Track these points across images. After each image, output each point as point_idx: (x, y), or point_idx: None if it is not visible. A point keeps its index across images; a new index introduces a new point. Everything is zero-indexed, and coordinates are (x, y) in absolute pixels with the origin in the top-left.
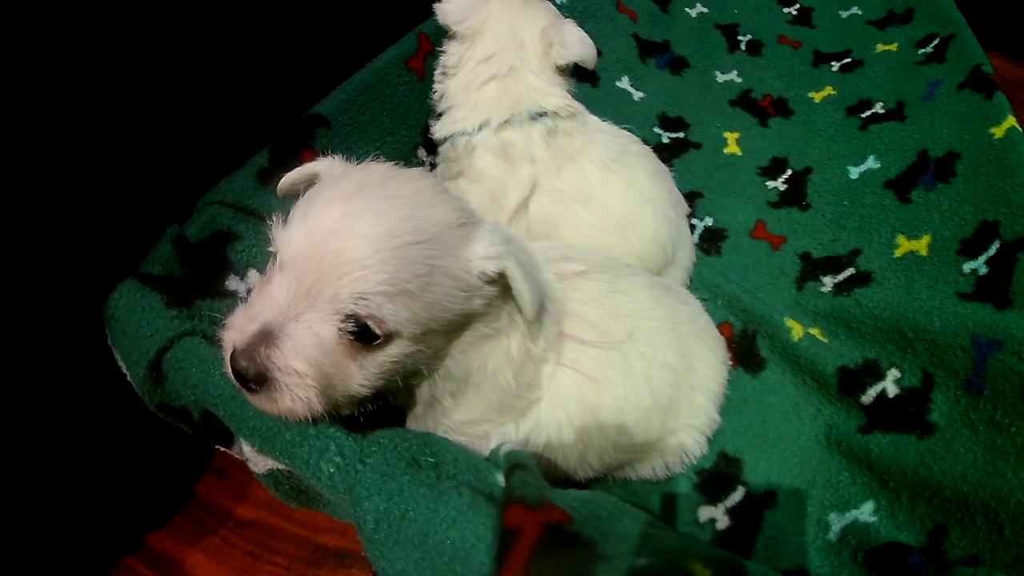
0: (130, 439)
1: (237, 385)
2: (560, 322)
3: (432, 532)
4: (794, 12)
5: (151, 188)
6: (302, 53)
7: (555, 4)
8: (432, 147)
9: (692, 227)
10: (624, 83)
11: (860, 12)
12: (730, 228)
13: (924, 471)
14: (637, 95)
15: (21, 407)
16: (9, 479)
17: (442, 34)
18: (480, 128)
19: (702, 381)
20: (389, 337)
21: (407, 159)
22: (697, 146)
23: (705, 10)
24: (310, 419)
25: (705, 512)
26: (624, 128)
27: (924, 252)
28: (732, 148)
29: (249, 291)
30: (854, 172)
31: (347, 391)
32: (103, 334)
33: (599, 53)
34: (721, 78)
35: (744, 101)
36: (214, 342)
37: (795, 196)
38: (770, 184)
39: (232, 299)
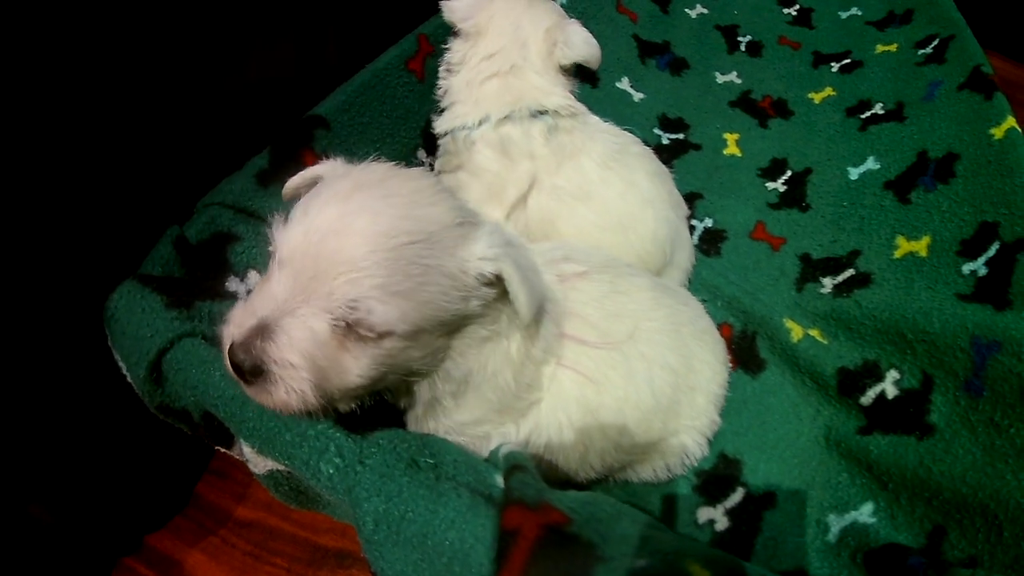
0: (130, 440)
1: (234, 377)
2: (561, 323)
3: (431, 533)
4: (794, 13)
5: (151, 189)
6: (302, 54)
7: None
8: (432, 148)
9: (692, 228)
10: (624, 84)
11: (860, 13)
12: (730, 229)
13: (923, 472)
14: (637, 96)
15: (22, 407)
16: (9, 479)
17: (442, 35)
18: (480, 123)
19: (703, 382)
20: (380, 335)
21: (407, 160)
22: (697, 147)
23: (705, 11)
24: (305, 412)
25: (704, 513)
26: (624, 129)
27: (924, 253)
28: (732, 149)
29: (249, 292)
30: (854, 173)
31: (342, 385)
32: (103, 335)
33: None
34: (721, 79)
35: (744, 102)
36: (214, 343)
37: (795, 197)
38: (770, 185)
39: (232, 300)
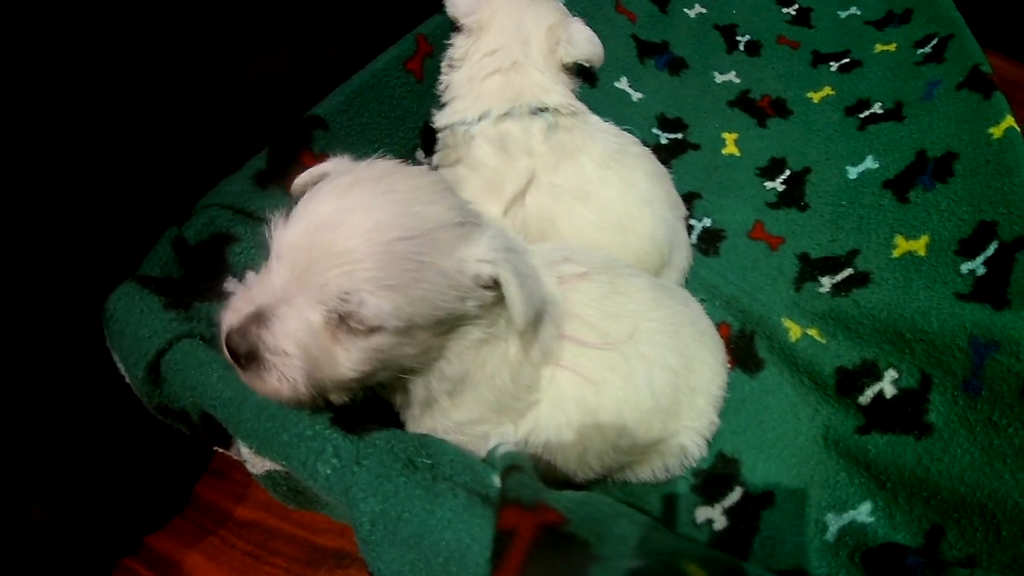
0: (129, 441)
1: (230, 362)
2: (560, 324)
3: (428, 533)
4: (793, 12)
5: (150, 190)
6: (300, 55)
7: None
8: (430, 148)
9: (690, 228)
10: (623, 84)
11: (859, 12)
12: (728, 229)
13: (921, 472)
14: (636, 96)
15: (21, 408)
16: (9, 480)
17: (441, 36)
18: (480, 118)
19: (702, 383)
20: (372, 329)
21: (406, 161)
22: (695, 147)
23: (704, 10)
24: (296, 402)
25: (703, 513)
26: (623, 129)
27: (922, 252)
28: (730, 149)
29: None
30: (852, 172)
31: (333, 376)
32: (102, 336)
33: None
34: (720, 79)
35: (743, 102)
36: (212, 344)
37: (793, 196)
38: (768, 185)
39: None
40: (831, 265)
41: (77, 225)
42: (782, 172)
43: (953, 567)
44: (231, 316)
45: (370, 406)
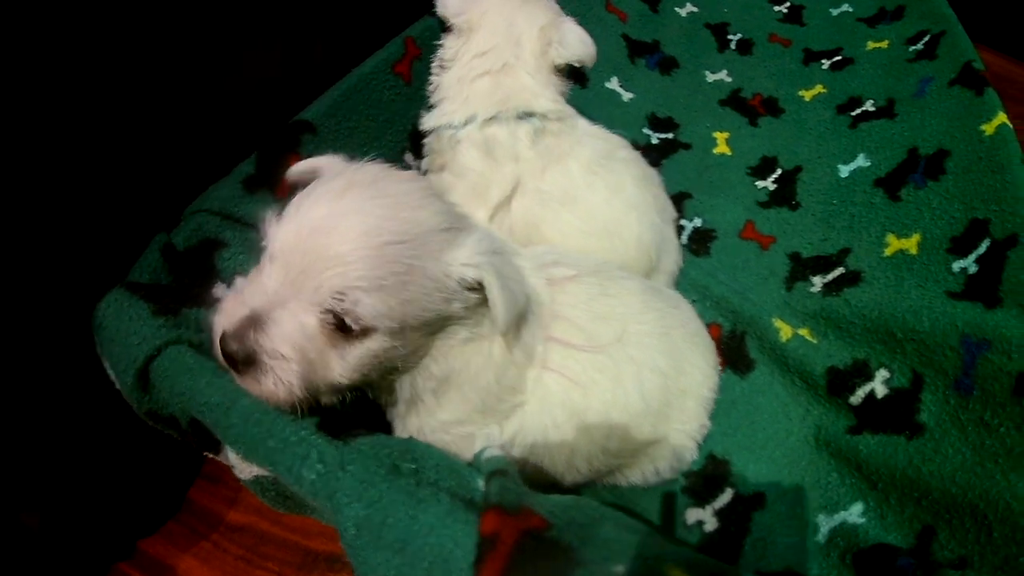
0: (122, 446)
1: (225, 366)
2: (547, 326)
3: (411, 539)
4: (784, 10)
5: (139, 196)
6: (288, 59)
7: None
8: (419, 151)
9: (681, 228)
10: (613, 84)
11: (851, 9)
12: (719, 229)
13: (913, 472)
14: (626, 96)
15: (14, 415)
16: (3, 487)
17: (429, 38)
18: (467, 122)
19: (693, 386)
20: (366, 331)
21: (394, 164)
22: (686, 146)
23: (695, 9)
24: (291, 404)
25: (693, 514)
26: (614, 129)
27: (914, 251)
28: (722, 148)
29: None
30: (844, 171)
31: (328, 379)
32: (94, 342)
33: None
34: (711, 78)
35: (734, 100)
36: (201, 350)
37: (785, 195)
38: (760, 184)
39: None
40: (822, 264)
41: (67, 232)
42: (773, 171)
43: (944, 568)
44: (224, 319)
45: (357, 407)
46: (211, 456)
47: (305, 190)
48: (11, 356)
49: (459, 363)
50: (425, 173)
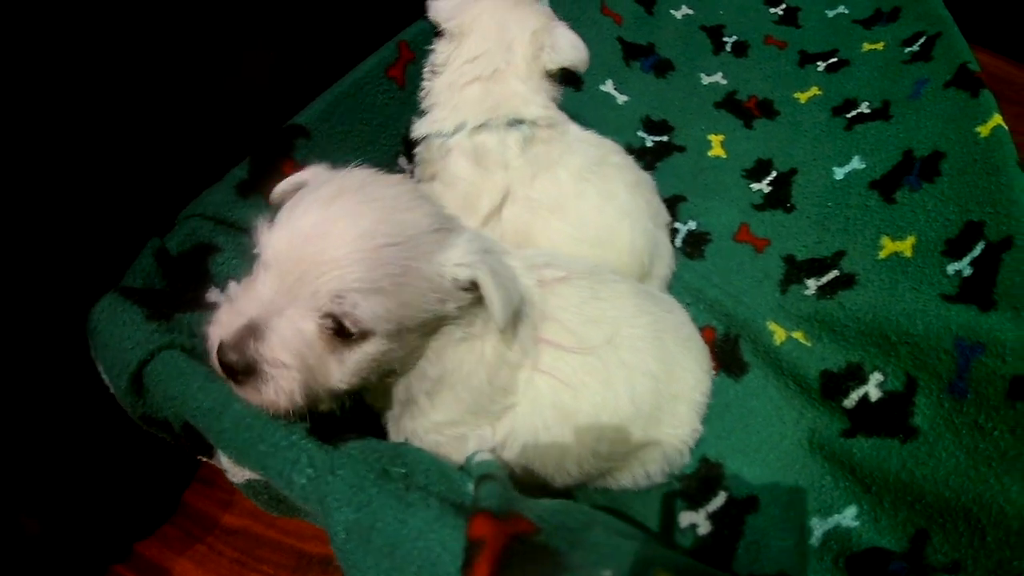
0: (118, 449)
1: (224, 377)
2: (538, 327)
3: (401, 542)
4: (780, 12)
5: (133, 201)
6: (282, 64)
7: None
8: (413, 155)
9: (675, 231)
10: (608, 87)
11: (847, 11)
12: (714, 231)
13: (906, 476)
14: (621, 99)
15: (11, 419)
16: (1, 490)
17: (423, 42)
18: (456, 130)
19: (685, 391)
20: (364, 334)
21: (388, 168)
22: (681, 149)
23: (691, 12)
24: (291, 412)
25: (686, 518)
26: (608, 132)
27: (908, 253)
28: (717, 151)
29: None
30: (839, 173)
31: (327, 385)
32: (88, 347)
33: None
34: (706, 80)
35: (729, 103)
36: (193, 355)
37: (779, 198)
38: (754, 186)
39: (213, 311)
40: (817, 267)
41: (63, 237)
42: (768, 173)
43: (938, 572)
44: (220, 330)
45: (352, 411)
46: (205, 460)
47: (294, 198)
48: (8, 361)
49: (453, 363)
50: (418, 182)
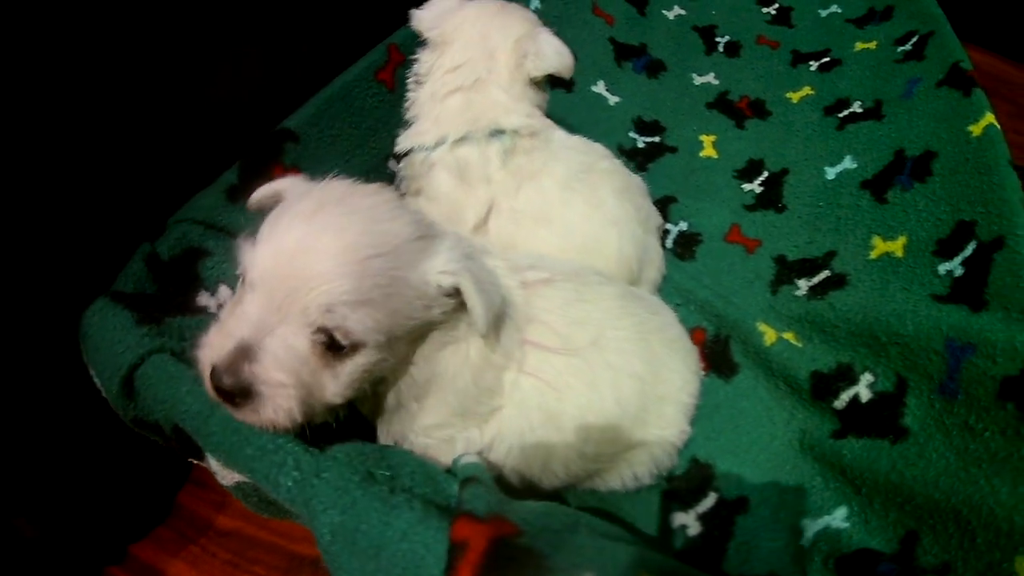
0: (112, 452)
1: (219, 401)
2: (523, 329)
3: (385, 544)
4: (773, 12)
5: (124, 206)
6: (271, 68)
7: (529, 9)
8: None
9: (666, 232)
10: (599, 88)
11: (840, 10)
12: (704, 232)
13: (896, 477)
14: (612, 100)
15: (5, 422)
16: None
17: (412, 45)
18: (437, 144)
19: (672, 392)
20: (356, 346)
21: (377, 170)
22: (673, 150)
23: (683, 12)
24: (289, 428)
25: (676, 519)
26: (599, 133)
27: (900, 253)
28: (708, 151)
29: (220, 306)
30: (830, 173)
31: (323, 400)
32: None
33: (574, 58)
34: (698, 80)
35: (721, 103)
36: (182, 359)
37: (771, 198)
38: (746, 187)
39: (203, 315)
40: (808, 267)
41: (55, 241)
42: (760, 174)
43: (928, 574)
44: (212, 353)
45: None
46: (196, 462)
47: (273, 214)
48: (2, 365)
49: (439, 367)
50: (403, 196)
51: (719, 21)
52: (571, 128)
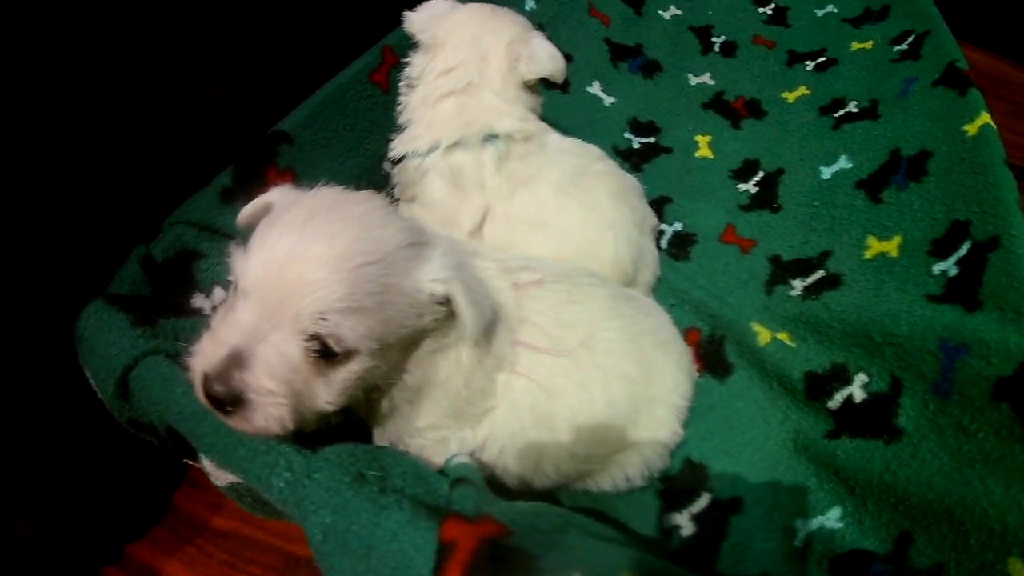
0: (109, 453)
1: (211, 408)
2: (514, 330)
3: (375, 545)
4: (769, 12)
5: (121, 209)
6: (265, 71)
7: (524, 10)
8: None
9: (660, 232)
10: (595, 88)
11: (836, 10)
12: (700, 233)
13: (890, 477)
14: (608, 100)
15: (3, 424)
16: None
17: (407, 47)
18: (430, 150)
19: (664, 394)
20: (349, 354)
21: (372, 172)
22: (668, 150)
23: (679, 12)
24: (281, 436)
25: (670, 519)
26: (594, 134)
27: (894, 253)
28: (704, 151)
29: (214, 308)
30: (826, 172)
31: (315, 407)
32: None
33: (569, 59)
34: (694, 81)
35: (717, 103)
36: (176, 360)
37: (766, 198)
38: (741, 187)
39: (198, 316)
40: (803, 267)
41: (53, 243)
42: (755, 174)
43: (921, 575)
44: (204, 361)
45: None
46: (190, 463)
47: (265, 222)
48: (0, 367)
49: (431, 372)
50: (397, 202)
51: (715, 21)
52: (566, 129)
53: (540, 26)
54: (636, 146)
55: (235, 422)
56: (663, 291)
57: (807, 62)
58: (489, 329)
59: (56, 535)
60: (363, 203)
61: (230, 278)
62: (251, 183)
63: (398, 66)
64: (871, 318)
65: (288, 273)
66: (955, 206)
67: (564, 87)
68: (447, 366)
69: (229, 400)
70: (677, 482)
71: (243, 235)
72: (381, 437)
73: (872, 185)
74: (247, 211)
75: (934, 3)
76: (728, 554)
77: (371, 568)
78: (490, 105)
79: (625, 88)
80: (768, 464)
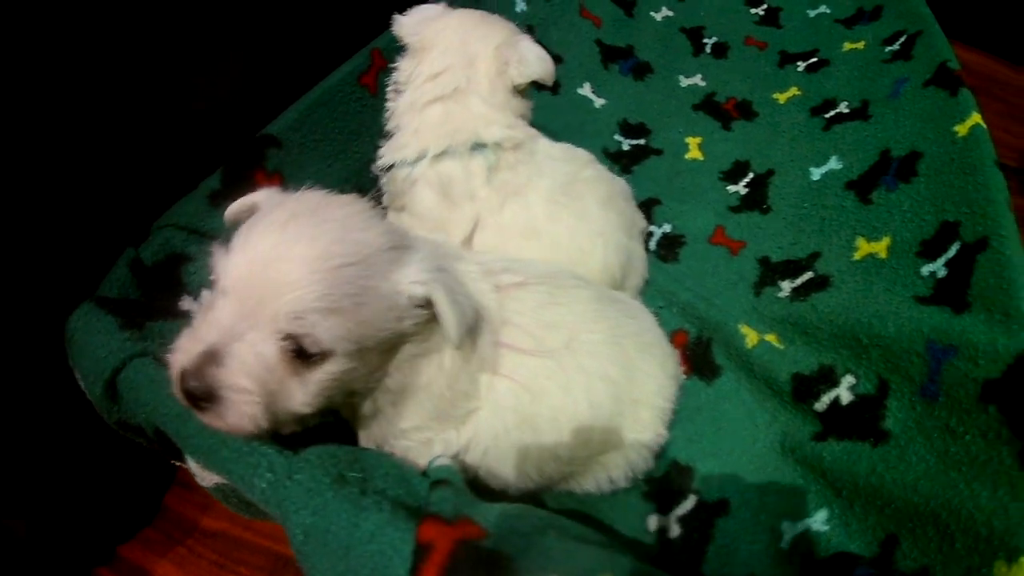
0: (100, 454)
1: (187, 404)
2: (497, 332)
3: (354, 545)
4: (761, 12)
5: (109, 212)
6: (254, 74)
7: (515, 12)
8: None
9: (649, 234)
10: (586, 90)
11: (828, 11)
12: (688, 234)
13: (876, 480)
14: (598, 102)
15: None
16: None
17: (396, 50)
18: (418, 159)
19: (647, 396)
20: (325, 355)
21: (360, 175)
22: (658, 152)
23: (671, 13)
24: (255, 435)
25: (655, 521)
26: (585, 136)
27: (883, 255)
28: (694, 153)
29: None
30: (816, 173)
31: (289, 409)
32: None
33: (560, 60)
34: (685, 82)
35: (707, 105)
36: (163, 363)
37: (756, 200)
38: (731, 188)
39: (185, 319)
40: (791, 269)
41: (44, 246)
42: (745, 175)
43: None
44: (182, 357)
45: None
46: (178, 464)
47: (248, 223)
48: None
49: (413, 376)
50: (385, 210)
51: (707, 22)
52: (556, 131)
53: (530, 28)
54: (626, 148)
55: (209, 419)
56: (651, 293)
57: (799, 63)
58: (471, 331)
59: (49, 536)
60: (346, 206)
61: (212, 277)
62: (239, 186)
63: (386, 70)
64: (859, 320)
65: (267, 273)
66: (945, 207)
67: (555, 89)
68: (429, 370)
69: (203, 396)
70: (663, 484)
71: (227, 236)
72: (366, 439)
73: (862, 186)
74: (233, 208)
75: (927, 3)
76: (714, 556)
77: (350, 568)
78: (477, 112)
79: (616, 90)
80: (755, 466)
